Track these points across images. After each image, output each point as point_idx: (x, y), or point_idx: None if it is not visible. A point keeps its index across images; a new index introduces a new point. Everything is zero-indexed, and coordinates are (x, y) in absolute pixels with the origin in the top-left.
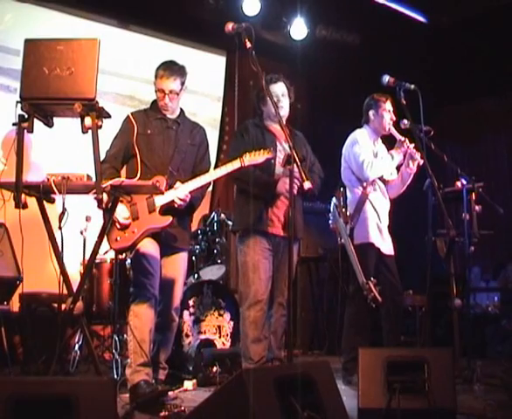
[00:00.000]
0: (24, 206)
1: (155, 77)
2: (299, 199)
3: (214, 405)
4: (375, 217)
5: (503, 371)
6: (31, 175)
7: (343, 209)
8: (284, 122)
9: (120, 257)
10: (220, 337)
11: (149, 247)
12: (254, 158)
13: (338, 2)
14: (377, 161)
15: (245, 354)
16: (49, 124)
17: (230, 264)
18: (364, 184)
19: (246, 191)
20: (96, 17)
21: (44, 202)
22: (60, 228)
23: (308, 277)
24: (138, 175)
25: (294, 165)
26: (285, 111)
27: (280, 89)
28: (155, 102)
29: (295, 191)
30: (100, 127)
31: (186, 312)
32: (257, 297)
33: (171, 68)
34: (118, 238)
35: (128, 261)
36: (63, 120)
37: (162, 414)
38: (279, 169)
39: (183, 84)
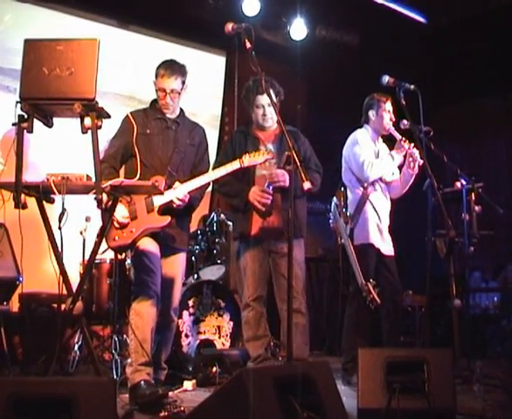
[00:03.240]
0: (24, 206)
1: (156, 76)
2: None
3: (214, 405)
4: (375, 218)
5: (503, 371)
6: (29, 175)
7: (344, 210)
8: (275, 125)
9: (119, 257)
10: (220, 337)
11: (150, 245)
12: (254, 159)
13: (338, 2)
14: (377, 161)
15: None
16: (48, 124)
17: (229, 265)
18: (365, 185)
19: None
20: (96, 17)
21: (44, 202)
22: (60, 228)
23: (308, 277)
24: (138, 175)
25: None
26: (271, 121)
27: (265, 100)
28: (154, 102)
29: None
30: (100, 127)
31: (186, 313)
32: (245, 299)
33: (172, 67)
34: (116, 238)
35: (128, 261)
36: (62, 120)
37: (162, 414)
38: (259, 172)
39: (183, 83)
